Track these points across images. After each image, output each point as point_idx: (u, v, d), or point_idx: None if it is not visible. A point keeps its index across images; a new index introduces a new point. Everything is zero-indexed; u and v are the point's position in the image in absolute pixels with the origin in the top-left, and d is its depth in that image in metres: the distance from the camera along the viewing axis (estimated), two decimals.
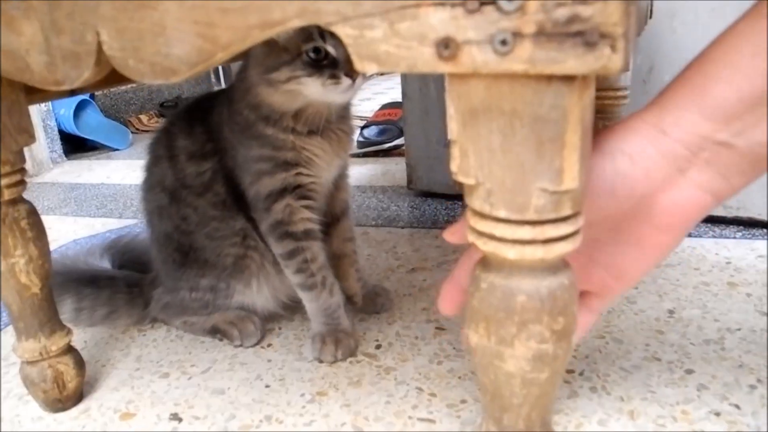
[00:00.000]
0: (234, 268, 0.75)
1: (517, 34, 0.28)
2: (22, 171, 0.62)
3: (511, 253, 0.34)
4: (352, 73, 0.62)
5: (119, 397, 0.68)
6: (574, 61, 0.28)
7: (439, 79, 1.19)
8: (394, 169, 1.54)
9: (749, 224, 0.99)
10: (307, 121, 0.67)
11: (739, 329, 0.71)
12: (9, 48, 0.46)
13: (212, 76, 2.81)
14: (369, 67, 0.32)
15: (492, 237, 0.34)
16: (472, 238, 0.36)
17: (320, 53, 0.61)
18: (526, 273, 0.35)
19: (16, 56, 0.46)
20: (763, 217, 0.97)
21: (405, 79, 1.25)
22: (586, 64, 0.28)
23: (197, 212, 0.74)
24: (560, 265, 0.36)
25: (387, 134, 1.73)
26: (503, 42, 0.28)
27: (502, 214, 0.33)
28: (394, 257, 1.00)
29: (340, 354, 0.71)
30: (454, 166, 0.34)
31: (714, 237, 0.97)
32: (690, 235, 0.98)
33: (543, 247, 0.34)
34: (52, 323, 0.64)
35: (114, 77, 0.68)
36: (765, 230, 0.97)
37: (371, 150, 1.71)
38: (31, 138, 0.62)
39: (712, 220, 1.02)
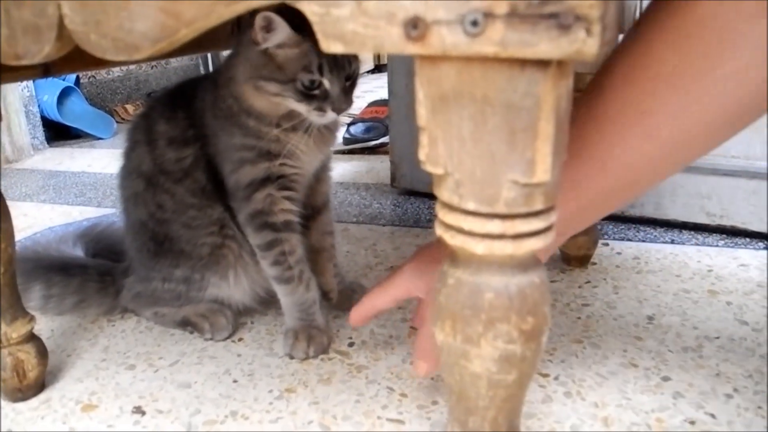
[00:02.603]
0: (210, 259, 0.73)
1: (489, 15, 0.27)
2: None
3: (479, 247, 0.33)
4: (338, 110, 0.63)
5: (82, 388, 0.66)
6: (547, 44, 0.26)
7: None
8: (379, 167, 1.52)
9: (732, 233, 0.99)
10: (290, 122, 0.66)
11: (717, 337, 0.70)
12: None
13: (201, 67, 2.78)
14: (335, 46, 0.30)
15: (460, 230, 0.33)
16: (439, 231, 0.34)
17: (314, 84, 0.62)
18: (495, 269, 0.34)
19: None
20: (745, 226, 0.97)
21: (392, 76, 1.24)
22: (559, 47, 0.26)
23: (174, 199, 0.72)
24: (531, 263, 0.35)
25: (373, 132, 1.71)
26: (474, 23, 0.27)
27: (471, 206, 0.32)
28: (374, 255, 0.98)
29: (312, 351, 0.69)
30: (422, 155, 0.33)
31: (697, 245, 0.96)
32: (673, 242, 0.97)
33: (513, 242, 0.32)
34: (14, 309, 0.62)
35: (91, 58, 0.66)
36: (747, 239, 0.97)
37: (357, 147, 1.69)
38: None
39: (695, 228, 1.01)
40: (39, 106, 1.97)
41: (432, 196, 1.22)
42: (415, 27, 0.28)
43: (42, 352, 0.64)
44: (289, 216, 0.70)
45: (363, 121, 1.76)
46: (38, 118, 1.96)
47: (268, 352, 0.71)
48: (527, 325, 0.35)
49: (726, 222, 0.98)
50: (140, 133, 0.75)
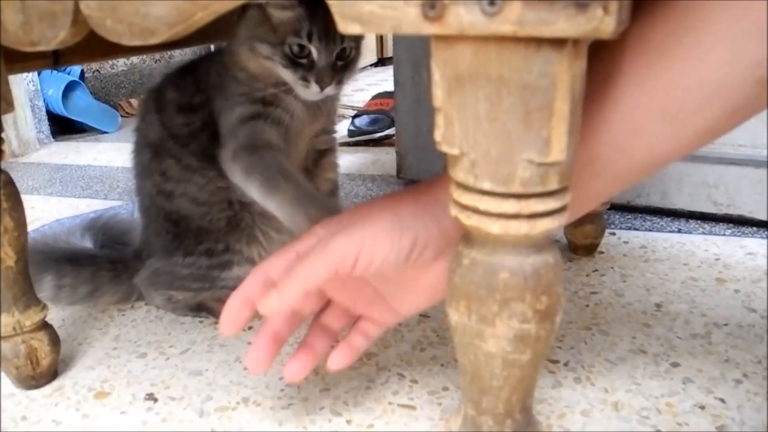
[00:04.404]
0: (228, 229, 0.74)
1: None
2: (1, 140, 0.60)
3: (494, 227, 0.33)
4: (321, 83, 0.63)
5: (94, 375, 0.67)
6: (564, 22, 0.27)
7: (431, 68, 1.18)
8: (384, 159, 1.53)
9: (739, 222, 0.99)
10: (285, 88, 0.67)
11: (726, 324, 0.70)
12: None
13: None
14: (352, 27, 0.30)
15: (475, 210, 0.33)
16: (454, 212, 0.35)
17: (303, 51, 0.62)
18: (509, 249, 0.34)
19: None
20: (752, 215, 0.97)
21: (398, 67, 1.24)
22: (577, 26, 0.26)
23: (180, 164, 0.73)
24: (545, 243, 0.35)
25: (378, 124, 1.71)
26: (491, 2, 0.27)
27: (486, 186, 0.32)
28: None
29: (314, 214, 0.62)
30: (438, 135, 0.33)
31: (704, 234, 0.96)
32: (680, 231, 0.97)
33: (528, 222, 0.33)
34: (27, 298, 0.62)
35: (99, 49, 0.67)
36: (754, 228, 0.97)
37: (362, 139, 1.69)
38: (9, 106, 0.60)
39: (701, 217, 1.01)
40: (44, 100, 1.98)
41: None
42: (432, 7, 0.28)
43: (54, 340, 0.65)
44: (273, 139, 0.67)
45: (368, 113, 1.76)
46: (43, 113, 1.96)
47: None
48: (542, 305, 0.35)
49: (733, 211, 0.98)
50: (150, 102, 0.77)
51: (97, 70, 2.34)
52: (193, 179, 0.73)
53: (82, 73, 2.18)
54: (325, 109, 0.73)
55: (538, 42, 0.29)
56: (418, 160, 1.25)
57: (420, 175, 1.26)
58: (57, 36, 0.42)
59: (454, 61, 0.31)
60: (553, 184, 0.32)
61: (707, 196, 0.99)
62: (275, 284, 0.46)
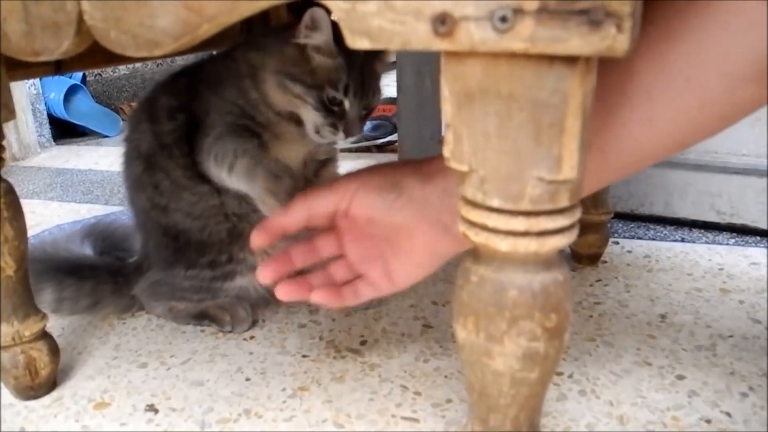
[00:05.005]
0: (231, 239, 0.73)
1: (518, 11, 0.27)
2: (1, 148, 0.60)
3: (503, 245, 0.32)
4: (349, 134, 0.65)
5: (94, 385, 0.66)
6: (578, 40, 0.26)
7: (435, 74, 1.18)
8: None
9: (742, 231, 0.98)
10: (291, 117, 0.67)
11: (731, 336, 0.70)
12: None
13: None
14: (361, 42, 0.30)
15: (484, 227, 0.33)
16: (462, 228, 0.34)
17: (335, 101, 0.63)
18: (518, 267, 0.34)
19: None
20: (756, 224, 0.96)
21: (401, 73, 1.23)
22: (590, 44, 0.26)
23: (169, 178, 0.71)
24: (554, 260, 0.34)
25: (380, 130, 1.71)
26: (503, 19, 0.27)
27: (495, 203, 0.32)
28: None
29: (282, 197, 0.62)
30: (446, 152, 0.32)
31: (707, 243, 0.96)
32: (683, 241, 0.97)
33: (537, 239, 0.32)
34: (27, 307, 0.62)
35: (101, 56, 0.66)
36: (758, 238, 0.96)
37: (364, 145, 1.69)
38: (11, 114, 0.59)
39: (704, 227, 1.01)
40: (46, 103, 1.97)
41: None
42: (443, 23, 0.28)
43: (54, 349, 0.64)
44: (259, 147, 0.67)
45: (370, 119, 1.75)
46: (45, 116, 1.96)
47: (281, 350, 0.71)
48: (551, 323, 0.34)
49: (736, 220, 0.98)
50: (143, 112, 0.75)
51: (99, 74, 2.34)
52: (183, 196, 0.72)
53: (84, 76, 2.18)
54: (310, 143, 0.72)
55: (550, 59, 0.28)
56: None
57: None
58: (60, 46, 0.42)
59: (464, 77, 0.30)
60: (563, 202, 0.32)
61: (710, 205, 0.99)
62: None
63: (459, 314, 0.36)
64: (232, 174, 0.65)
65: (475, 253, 0.35)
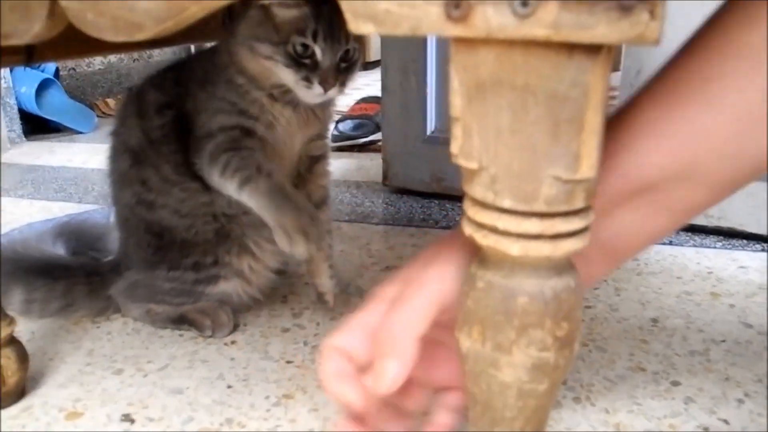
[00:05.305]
0: (218, 240, 0.70)
1: None
2: None
3: (514, 248, 0.30)
4: (325, 84, 0.61)
5: (66, 394, 0.62)
6: (605, 27, 0.24)
7: (421, 72, 1.16)
8: (369, 165, 1.50)
9: (729, 234, 0.98)
10: (280, 93, 0.64)
11: (723, 341, 0.69)
12: None
13: None
14: (365, 27, 0.27)
15: (494, 230, 0.30)
16: (468, 230, 0.32)
17: (306, 51, 0.60)
18: (529, 272, 0.32)
19: None
20: (743, 227, 0.96)
21: (386, 72, 1.21)
22: (619, 31, 0.24)
23: (159, 174, 0.69)
24: (566, 265, 0.32)
25: (362, 129, 1.69)
26: (524, 2, 0.24)
27: (506, 203, 0.30)
28: (368, 254, 0.96)
29: (313, 246, 0.64)
30: (455, 148, 0.30)
31: (695, 246, 0.95)
32: (671, 243, 0.96)
33: (550, 243, 0.30)
34: None
35: (77, 45, 0.63)
36: (744, 241, 0.96)
37: (346, 144, 1.66)
38: None
39: (692, 230, 1.00)
40: (16, 98, 1.91)
41: (424, 195, 1.20)
42: (456, 6, 0.25)
43: (22, 356, 0.60)
44: (253, 144, 0.65)
45: (352, 118, 1.73)
46: (15, 111, 1.89)
47: (263, 356, 0.68)
48: (562, 332, 0.32)
49: (723, 223, 0.97)
50: (131, 105, 0.72)
51: (73, 68, 2.27)
52: (173, 192, 0.69)
53: (57, 70, 2.11)
54: (321, 114, 0.70)
55: (570, 47, 0.26)
56: (404, 168, 1.23)
57: (406, 183, 1.23)
58: (31, 29, 0.39)
59: (476, 67, 0.28)
60: (579, 202, 0.30)
61: None
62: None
63: (463, 322, 0.34)
64: (243, 191, 0.63)
65: (482, 257, 0.33)
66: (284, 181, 0.67)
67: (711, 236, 0.98)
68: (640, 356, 0.66)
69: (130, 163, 0.70)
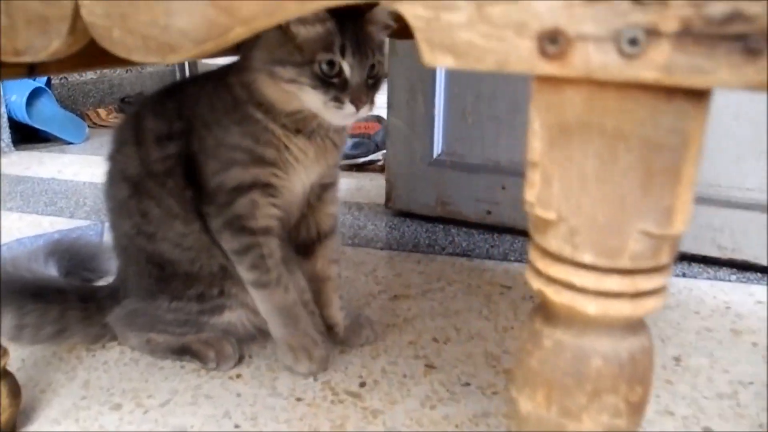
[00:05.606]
0: (225, 273, 0.67)
1: (653, 32, 0.22)
2: None
3: (591, 306, 0.27)
4: (357, 102, 0.57)
5: (60, 431, 0.58)
6: (726, 72, 0.21)
7: (428, 91, 1.13)
8: (369, 186, 1.47)
9: (743, 267, 0.96)
10: (299, 121, 0.61)
11: (751, 383, 0.66)
12: None
13: (177, 74, 2.68)
14: (442, 59, 0.25)
15: (569, 286, 0.28)
16: (537, 284, 0.29)
17: (333, 69, 0.56)
18: (603, 331, 0.29)
19: None
20: (757, 260, 0.94)
21: (392, 90, 1.18)
22: (742, 76, 0.21)
23: (160, 206, 0.65)
24: (640, 323, 0.30)
25: (361, 148, 1.66)
26: (632, 41, 0.22)
27: (587, 258, 0.27)
28: (375, 281, 0.92)
29: (315, 367, 0.66)
30: (531, 195, 0.27)
31: (709, 279, 0.93)
32: (684, 276, 0.94)
33: (631, 301, 0.27)
34: None
35: (80, 59, 0.59)
36: (759, 274, 0.94)
37: (344, 163, 1.63)
38: None
39: (705, 261, 0.98)
40: (6, 106, 1.86)
41: (429, 219, 1.15)
42: (553, 42, 0.23)
43: (15, 391, 0.56)
44: (269, 221, 0.64)
45: (351, 136, 1.70)
46: (5, 120, 1.84)
47: (271, 392, 0.64)
48: (635, 397, 0.29)
49: (737, 256, 0.96)
50: (128, 131, 0.68)
51: (65, 77, 2.22)
52: (175, 226, 0.65)
53: (49, 79, 2.06)
54: (339, 141, 0.66)
55: (669, 91, 0.24)
56: (408, 190, 1.20)
57: (410, 205, 1.20)
58: (48, 46, 0.35)
59: (561, 108, 0.25)
60: (664, 259, 0.27)
61: (712, 240, 0.97)
62: None
63: (524, 383, 0.31)
64: (256, 291, 0.65)
65: (549, 313, 0.30)
66: (296, 296, 0.67)
67: (724, 268, 0.96)
68: (667, 399, 0.63)
69: (128, 193, 0.66)
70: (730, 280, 0.93)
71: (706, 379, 0.67)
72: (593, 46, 0.22)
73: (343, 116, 0.58)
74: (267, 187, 0.62)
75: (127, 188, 0.66)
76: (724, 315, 0.82)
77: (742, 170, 0.93)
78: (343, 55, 0.55)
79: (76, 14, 0.33)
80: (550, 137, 0.26)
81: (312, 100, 0.57)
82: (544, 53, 0.23)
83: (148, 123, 0.66)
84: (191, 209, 0.64)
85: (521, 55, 0.23)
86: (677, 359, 0.71)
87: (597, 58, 0.22)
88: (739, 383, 0.66)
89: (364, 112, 0.58)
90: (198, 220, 0.65)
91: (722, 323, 0.80)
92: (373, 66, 0.58)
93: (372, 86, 0.59)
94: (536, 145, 0.26)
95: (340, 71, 0.56)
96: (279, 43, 0.56)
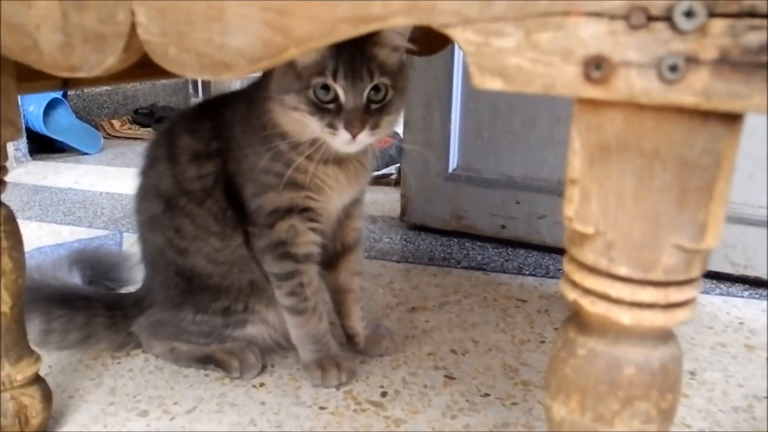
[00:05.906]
0: (253, 289, 0.68)
1: (692, 60, 0.23)
2: (3, 170, 0.54)
3: (626, 317, 0.29)
4: (351, 128, 0.54)
5: None
6: (761, 97, 0.23)
7: (445, 108, 1.15)
8: (383, 199, 1.48)
9: (755, 283, 0.97)
10: (321, 151, 0.59)
11: (766, 397, 0.67)
12: (15, 21, 0.39)
13: (190, 86, 2.72)
14: (491, 82, 0.26)
15: (605, 297, 0.29)
16: (573, 295, 0.30)
17: (328, 93, 0.55)
18: (636, 341, 0.30)
19: (22, 32, 0.39)
20: None
21: (408, 107, 1.20)
22: None
23: (195, 224, 0.66)
24: (671, 334, 0.31)
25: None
26: (673, 68, 0.23)
27: (622, 271, 0.28)
28: (392, 294, 0.93)
29: (344, 377, 0.68)
30: (570, 210, 0.29)
31: (722, 294, 0.94)
32: None
33: (664, 312, 0.29)
34: (20, 348, 0.55)
35: (124, 73, 0.61)
36: None
37: None
38: (17, 132, 0.54)
39: (717, 277, 0.99)
40: (24, 116, 1.89)
41: (443, 233, 1.16)
42: (598, 67, 0.24)
43: (47, 395, 0.58)
44: (311, 247, 0.66)
45: None
46: (23, 130, 1.87)
47: (295, 401, 0.65)
48: (666, 404, 0.31)
49: (750, 272, 0.97)
50: (161, 148, 0.69)
51: (81, 89, 2.26)
52: (210, 242, 0.66)
53: (65, 90, 2.10)
54: (366, 162, 0.66)
55: (705, 114, 0.25)
56: (424, 204, 1.21)
57: (425, 219, 1.22)
58: (104, 62, 0.37)
59: (601, 128, 0.27)
60: (695, 272, 0.28)
61: (724, 256, 0.98)
62: None
63: (559, 390, 0.32)
64: (291, 316, 0.67)
65: (583, 323, 0.31)
66: (327, 324, 0.69)
67: (736, 284, 0.97)
68: (683, 411, 0.64)
69: (162, 209, 0.67)
70: (742, 296, 0.94)
71: (721, 393, 0.68)
72: (636, 72, 0.24)
73: (340, 143, 0.56)
74: (305, 212, 0.64)
75: (160, 204, 0.67)
76: (737, 330, 0.83)
77: (754, 187, 0.95)
78: (335, 78, 0.54)
79: (133, 32, 0.35)
80: (590, 156, 0.27)
81: (313, 126, 0.56)
82: (588, 78, 0.25)
83: (182, 141, 0.67)
84: (231, 225, 0.66)
85: (567, 80, 0.25)
86: (692, 373, 0.72)
87: (639, 84, 0.24)
88: (754, 397, 0.67)
89: (363, 138, 0.55)
90: (237, 237, 0.66)
91: (736, 338, 0.81)
92: (376, 88, 0.56)
93: (378, 111, 0.56)
94: (576, 164, 0.28)
95: (336, 96, 0.55)
96: (285, 71, 0.56)
